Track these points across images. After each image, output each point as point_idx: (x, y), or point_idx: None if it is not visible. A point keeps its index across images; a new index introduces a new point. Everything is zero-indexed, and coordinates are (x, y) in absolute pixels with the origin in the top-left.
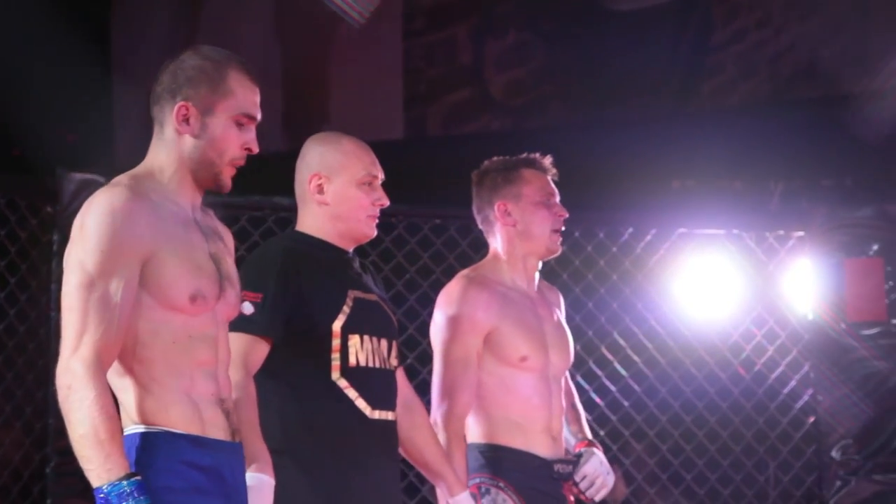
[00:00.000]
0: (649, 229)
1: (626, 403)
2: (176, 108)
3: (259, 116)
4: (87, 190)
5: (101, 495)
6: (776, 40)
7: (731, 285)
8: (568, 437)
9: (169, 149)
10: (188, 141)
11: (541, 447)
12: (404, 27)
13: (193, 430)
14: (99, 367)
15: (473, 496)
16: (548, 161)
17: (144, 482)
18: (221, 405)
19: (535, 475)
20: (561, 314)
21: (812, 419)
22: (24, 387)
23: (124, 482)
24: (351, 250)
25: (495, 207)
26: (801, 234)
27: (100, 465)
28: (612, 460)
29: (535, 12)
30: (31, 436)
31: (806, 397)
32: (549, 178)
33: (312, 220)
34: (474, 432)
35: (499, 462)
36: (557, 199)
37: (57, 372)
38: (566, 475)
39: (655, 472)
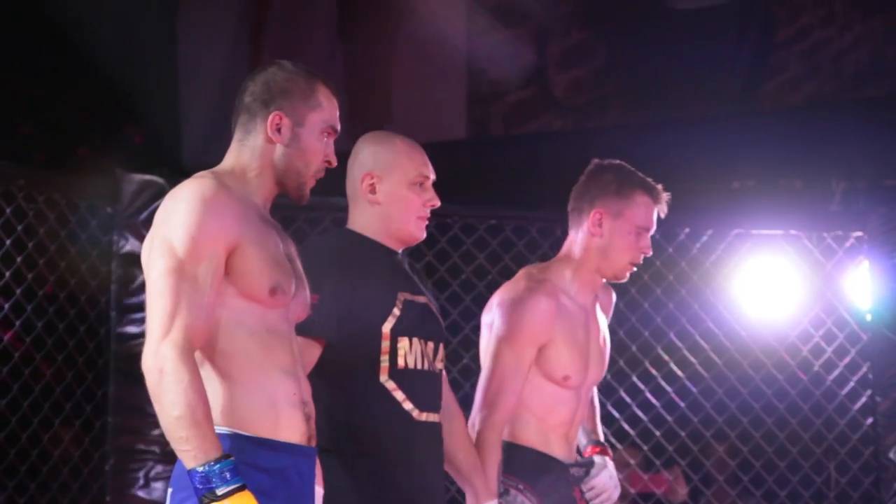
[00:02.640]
0: (705, 230)
1: (682, 405)
2: (270, 117)
3: (339, 130)
4: (148, 190)
5: (200, 475)
6: (840, 38)
7: (789, 286)
8: (580, 436)
9: (255, 154)
10: (278, 149)
11: (559, 452)
12: (467, 27)
13: (265, 432)
14: (190, 351)
15: None
16: (664, 196)
17: (237, 466)
18: (303, 408)
19: (552, 477)
20: (607, 318)
21: (870, 421)
22: (84, 385)
23: (221, 463)
24: (400, 251)
25: (593, 212)
26: (859, 234)
27: (197, 447)
28: (669, 462)
29: (597, 12)
30: (90, 433)
31: (864, 399)
32: (656, 210)
33: (363, 220)
34: None
35: (519, 463)
36: (651, 231)
37: (145, 355)
38: (579, 479)
39: (712, 473)
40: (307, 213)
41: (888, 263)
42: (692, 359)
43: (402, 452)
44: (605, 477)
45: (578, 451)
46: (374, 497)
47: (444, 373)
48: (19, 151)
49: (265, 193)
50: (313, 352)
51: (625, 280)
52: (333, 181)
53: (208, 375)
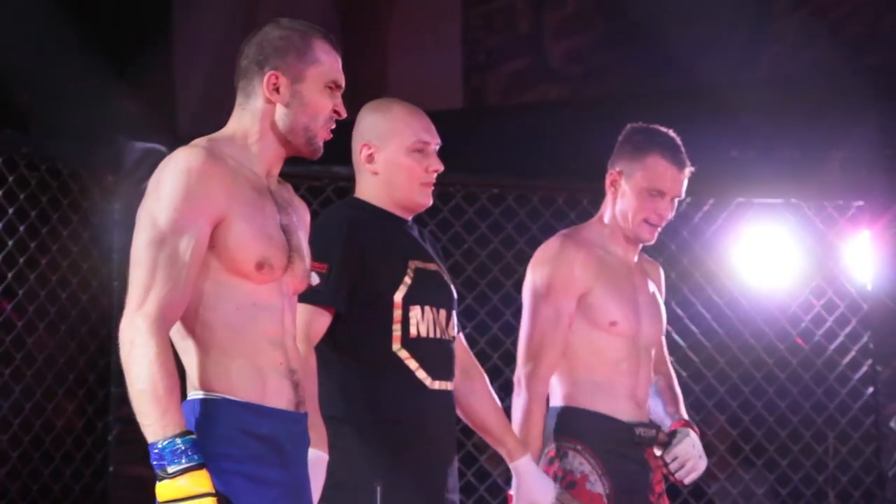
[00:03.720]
0: (707, 199)
1: (684, 374)
2: (266, 77)
3: (343, 83)
4: (150, 159)
5: (156, 451)
6: (838, 7)
7: (790, 255)
8: (664, 419)
9: (256, 117)
10: (279, 109)
11: (623, 412)
12: None
13: (253, 398)
14: (162, 324)
15: (551, 460)
16: (682, 159)
17: (199, 441)
18: (291, 376)
19: (615, 438)
20: (659, 289)
21: (871, 390)
22: (87, 355)
23: (179, 439)
24: (410, 219)
25: (609, 175)
26: (860, 203)
27: (156, 421)
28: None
29: None
30: (93, 403)
31: (865, 368)
32: (671, 175)
33: (368, 189)
34: (557, 394)
35: (577, 425)
36: (674, 191)
37: (121, 326)
38: (648, 439)
39: (714, 443)
40: (309, 182)
41: (889, 233)
42: (693, 328)
43: (415, 420)
44: (688, 445)
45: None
46: (387, 464)
47: (460, 336)
48: (15, 121)
49: (269, 158)
50: (323, 321)
51: (649, 241)
52: (334, 151)
53: (193, 345)
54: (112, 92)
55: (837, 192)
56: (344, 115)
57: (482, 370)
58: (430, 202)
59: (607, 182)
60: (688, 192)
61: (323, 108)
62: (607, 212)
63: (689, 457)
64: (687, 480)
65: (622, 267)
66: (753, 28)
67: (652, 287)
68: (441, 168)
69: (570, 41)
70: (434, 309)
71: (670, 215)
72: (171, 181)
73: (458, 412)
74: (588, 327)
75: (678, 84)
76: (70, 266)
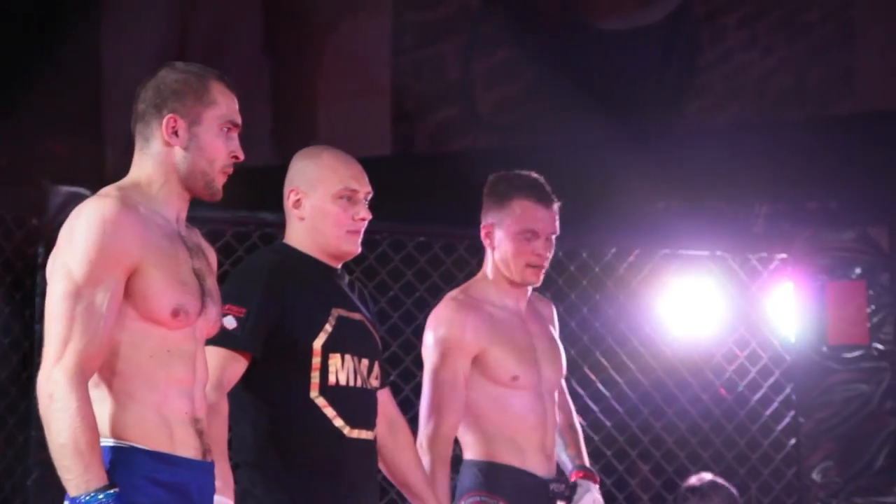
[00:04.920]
0: (633, 249)
1: (608, 423)
2: (164, 121)
3: (241, 124)
4: (74, 203)
5: None
6: (763, 61)
7: (714, 306)
8: (565, 462)
9: (156, 161)
10: (178, 153)
11: (536, 466)
12: (392, 44)
13: (162, 447)
14: (81, 378)
15: None
16: (545, 193)
17: (121, 495)
18: (195, 425)
19: (531, 494)
20: (554, 328)
21: (793, 441)
22: (8, 398)
23: (101, 494)
24: (339, 267)
25: (483, 227)
26: (783, 256)
27: (78, 476)
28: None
29: (523, 31)
30: (13, 447)
31: (787, 419)
32: (541, 209)
33: (295, 235)
34: (472, 450)
35: (497, 480)
36: (547, 230)
37: (38, 380)
38: (560, 494)
39: (637, 492)
40: (235, 228)
41: (812, 285)
42: (618, 378)
43: (331, 468)
44: (589, 500)
45: (561, 472)
46: None
47: (387, 390)
48: None
49: (175, 202)
50: (238, 366)
51: (536, 283)
52: (261, 196)
53: (106, 394)
54: (39, 134)
55: (761, 245)
56: (241, 157)
57: (406, 424)
58: (358, 250)
59: (482, 236)
60: (613, 243)
61: (220, 151)
62: (489, 265)
63: None
64: None
65: (515, 319)
66: (679, 81)
67: (548, 329)
68: (368, 216)
69: (500, 90)
70: (355, 358)
71: (549, 254)
72: (84, 233)
73: (381, 465)
74: (489, 384)
75: (606, 134)
76: None
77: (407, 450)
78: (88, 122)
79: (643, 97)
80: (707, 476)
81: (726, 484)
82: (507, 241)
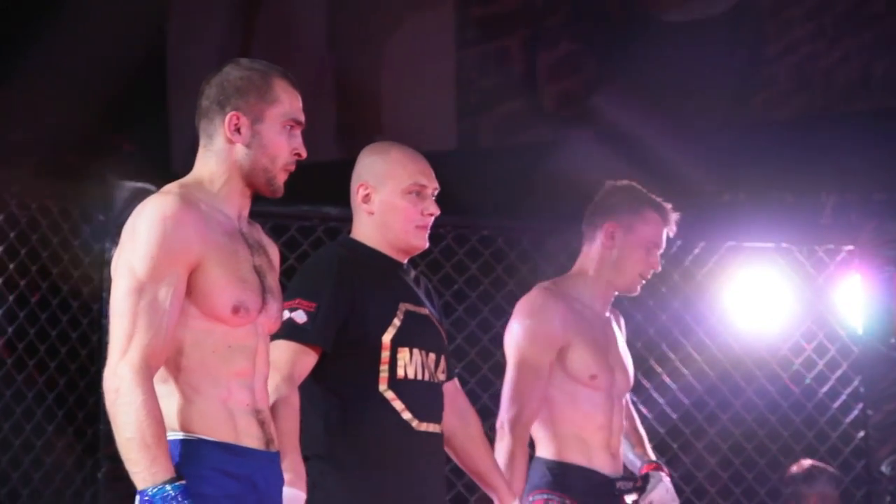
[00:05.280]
0: (698, 242)
1: (674, 416)
2: (227, 118)
3: (304, 121)
4: (140, 198)
5: (146, 498)
6: (830, 52)
7: (781, 299)
8: (633, 460)
9: (220, 159)
10: (240, 150)
11: (602, 464)
12: (457, 38)
13: (228, 438)
14: (147, 372)
15: None
16: (673, 216)
17: (190, 486)
18: (257, 415)
19: (598, 492)
20: (623, 336)
21: (862, 434)
22: (76, 392)
23: (168, 486)
24: (405, 261)
25: (605, 225)
26: (850, 247)
27: (145, 469)
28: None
29: (587, 23)
30: (83, 441)
31: (856, 412)
32: (665, 230)
33: (364, 230)
34: (543, 448)
35: (565, 479)
36: (660, 251)
37: (104, 376)
38: (626, 491)
39: (704, 485)
40: (299, 223)
41: (879, 277)
42: (684, 370)
43: (400, 461)
44: (662, 490)
45: (630, 472)
46: (371, 503)
47: (455, 381)
48: (10, 159)
49: (237, 199)
50: (308, 360)
51: (636, 293)
52: (326, 191)
53: (173, 389)
54: (107, 131)
55: (828, 237)
56: (304, 155)
57: (476, 414)
58: (426, 245)
59: (603, 234)
60: (678, 236)
61: (282, 148)
62: (591, 262)
63: (664, 501)
64: None
65: (598, 321)
66: (745, 72)
67: (620, 338)
68: (436, 212)
69: (563, 83)
70: (423, 352)
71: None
72: (146, 230)
73: (451, 454)
74: (567, 380)
75: (670, 126)
76: (60, 304)
77: (477, 439)
78: (156, 119)
79: (708, 89)
80: (807, 461)
81: (828, 467)
82: (630, 246)
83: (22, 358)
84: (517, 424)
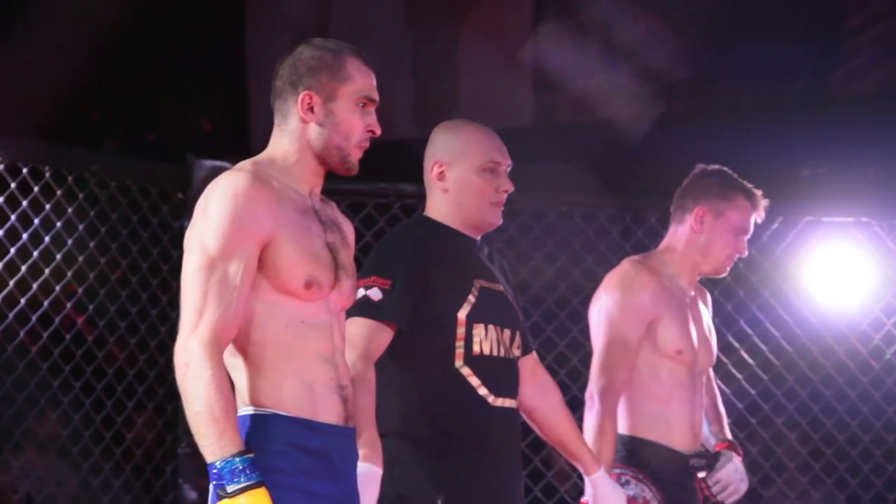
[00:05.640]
0: (776, 217)
1: (752, 392)
2: (300, 97)
3: (377, 99)
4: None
5: (214, 471)
6: None
7: (860, 274)
8: (708, 437)
9: (293, 137)
10: (313, 129)
11: (681, 442)
12: (534, 14)
13: (303, 413)
14: (216, 347)
15: None
16: (763, 202)
17: (256, 460)
18: (340, 392)
19: (671, 469)
20: (709, 314)
21: None
22: (157, 369)
23: (237, 459)
24: (478, 238)
25: (696, 209)
26: None
27: (214, 442)
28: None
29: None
30: (162, 417)
31: None
32: (754, 216)
33: (438, 207)
34: (620, 423)
35: (639, 454)
36: (748, 234)
37: (175, 351)
38: (699, 467)
39: (783, 460)
40: (375, 200)
41: None
42: (763, 346)
43: (476, 436)
44: (731, 470)
45: (706, 448)
46: (448, 479)
47: (533, 354)
48: (90, 138)
49: (309, 177)
50: (384, 336)
51: (723, 275)
52: (403, 169)
53: (242, 363)
54: (186, 110)
55: None
56: (378, 132)
57: (556, 386)
58: (500, 222)
59: (693, 217)
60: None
61: (355, 126)
62: (679, 243)
63: (731, 481)
64: (729, 501)
65: (684, 298)
66: (824, 46)
67: (706, 316)
68: (511, 188)
69: (642, 59)
70: (498, 328)
71: None
72: (218, 206)
73: (534, 427)
74: (654, 354)
75: (748, 102)
76: (140, 281)
77: (559, 409)
78: (235, 98)
79: (788, 63)
80: None
81: None
82: (719, 230)
83: (102, 335)
84: (606, 395)
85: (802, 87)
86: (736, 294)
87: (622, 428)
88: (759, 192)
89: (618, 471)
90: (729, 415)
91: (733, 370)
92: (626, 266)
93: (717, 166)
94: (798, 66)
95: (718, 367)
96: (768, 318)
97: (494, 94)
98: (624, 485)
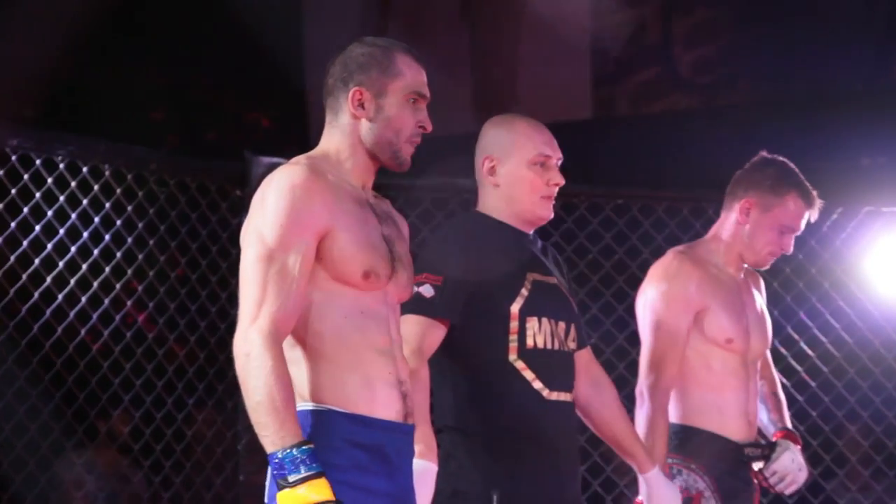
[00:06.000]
0: (836, 207)
1: (812, 384)
2: (350, 93)
3: (428, 95)
4: None
5: (276, 461)
6: None
7: None
8: (767, 425)
9: (344, 134)
10: (364, 124)
11: (735, 431)
12: (592, 7)
13: (360, 409)
14: (276, 338)
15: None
16: (818, 202)
17: (319, 454)
18: (400, 387)
19: (725, 458)
20: (762, 298)
21: None
22: (217, 366)
23: (297, 449)
24: (531, 232)
25: (742, 201)
26: None
27: (274, 432)
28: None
29: None
30: (222, 413)
31: None
32: (807, 215)
33: (489, 202)
34: (671, 412)
35: (691, 444)
36: (797, 233)
37: (235, 341)
38: (754, 457)
39: (845, 453)
40: (433, 195)
41: None
42: (822, 338)
43: (531, 431)
44: (787, 460)
45: (764, 437)
46: (504, 474)
47: (588, 349)
48: (151, 136)
49: (361, 173)
50: (437, 332)
51: (763, 269)
52: (464, 163)
53: (301, 356)
54: (246, 108)
55: None
56: (429, 128)
57: (610, 382)
58: (551, 215)
59: (739, 208)
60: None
61: (406, 121)
62: (725, 231)
63: (788, 471)
64: (787, 492)
65: (733, 284)
66: (884, 35)
67: (759, 301)
68: (562, 181)
69: (700, 50)
70: (552, 321)
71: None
72: (275, 198)
73: (588, 423)
74: (704, 344)
75: (808, 92)
76: (199, 279)
77: (613, 406)
78: (293, 95)
79: (847, 52)
80: None
81: None
82: (766, 226)
83: (163, 332)
84: (656, 392)
85: (862, 77)
86: (795, 286)
87: (674, 417)
88: (814, 192)
89: (669, 461)
90: (789, 407)
91: (793, 362)
92: (669, 257)
93: (778, 157)
94: (858, 56)
95: (778, 360)
96: (828, 309)
97: (553, 87)
98: (675, 475)
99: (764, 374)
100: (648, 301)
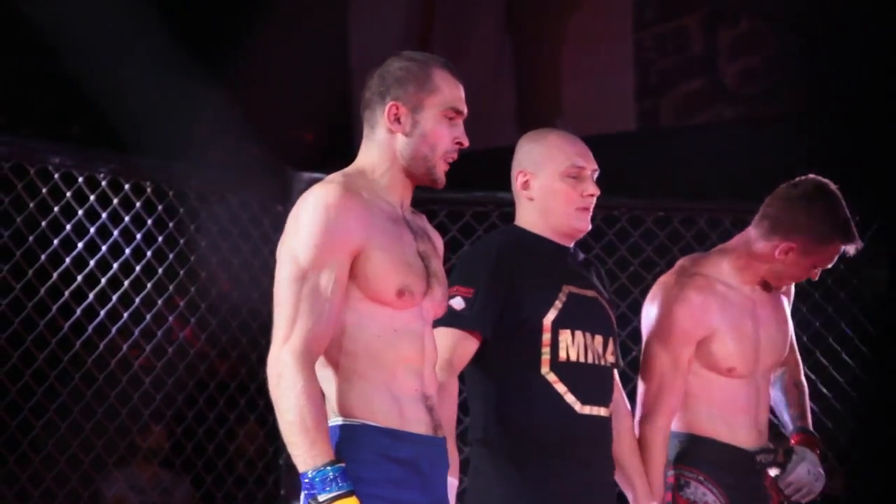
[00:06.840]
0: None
1: (840, 379)
2: (387, 108)
3: (465, 111)
4: None
5: (306, 480)
6: None
7: None
8: (786, 422)
9: (381, 148)
10: (400, 139)
11: (745, 439)
12: (635, 18)
13: (392, 423)
14: (308, 358)
15: (671, 487)
16: (857, 243)
17: (352, 470)
18: (425, 401)
19: (734, 467)
20: (789, 300)
21: None
22: (258, 381)
23: (329, 468)
24: (572, 245)
25: (784, 244)
26: None
27: (305, 452)
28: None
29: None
30: (264, 428)
31: None
32: (840, 249)
33: (526, 216)
34: (676, 422)
35: (698, 454)
36: (830, 264)
37: (268, 361)
38: (767, 464)
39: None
40: (473, 209)
41: None
42: (863, 348)
43: (562, 445)
44: (803, 471)
45: (781, 436)
46: (533, 487)
47: (614, 371)
48: (193, 152)
49: (398, 188)
50: (468, 345)
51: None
52: (502, 177)
53: (333, 374)
54: (290, 123)
55: None
56: (466, 144)
57: (629, 410)
58: (588, 227)
59: (779, 249)
60: (863, 209)
61: (442, 137)
62: (755, 256)
63: (805, 483)
64: (803, 501)
65: (745, 303)
66: None
67: (778, 313)
68: (596, 192)
69: (744, 61)
70: (587, 334)
71: None
72: (309, 218)
73: None
74: (703, 369)
75: (855, 102)
76: (241, 294)
77: (626, 435)
78: (338, 110)
79: (893, 63)
80: None
81: None
82: (801, 266)
83: (204, 348)
84: (653, 432)
85: None
86: (837, 296)
87: (680, 426)
88: (855, 232)
89: (674, 471)
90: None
91: (822, 359)
92: (672, 279)
93: (825, 186)
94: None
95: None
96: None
97: (596, 99)
98: (683, 486)
99: (787, 362)
100: (648, 326)
